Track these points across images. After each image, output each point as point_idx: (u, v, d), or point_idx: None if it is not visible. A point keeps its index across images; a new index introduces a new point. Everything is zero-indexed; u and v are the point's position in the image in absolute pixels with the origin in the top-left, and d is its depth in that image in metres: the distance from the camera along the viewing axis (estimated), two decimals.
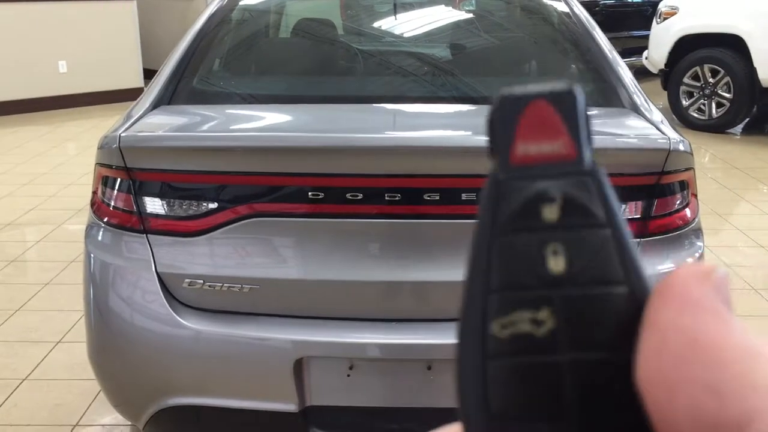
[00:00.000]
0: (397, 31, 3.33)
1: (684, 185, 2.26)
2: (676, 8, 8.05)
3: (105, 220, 2.25)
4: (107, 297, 2.25)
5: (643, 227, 2.19)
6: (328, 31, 3.32)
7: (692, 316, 0.24)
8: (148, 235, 2.19)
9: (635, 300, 0.26)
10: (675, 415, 0.23)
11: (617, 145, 2.24)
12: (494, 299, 0.27)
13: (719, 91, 7.76)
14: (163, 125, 2.39)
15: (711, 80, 7.80)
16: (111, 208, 2.23)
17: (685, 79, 7.97)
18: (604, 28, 2.98)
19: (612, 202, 0.27)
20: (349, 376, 2.19)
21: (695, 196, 2.34)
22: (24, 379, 3.21)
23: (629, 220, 2.18)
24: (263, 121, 2.56)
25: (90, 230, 2.32)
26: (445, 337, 2.15)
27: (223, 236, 2.15)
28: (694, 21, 7.87)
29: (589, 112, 0.29)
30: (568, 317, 0.26)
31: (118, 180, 2.20)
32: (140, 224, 2.19)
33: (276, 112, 2.58)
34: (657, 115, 2.44)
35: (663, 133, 2.24)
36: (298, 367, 2.15)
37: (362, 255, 2.18)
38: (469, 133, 2.43)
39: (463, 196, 2.11)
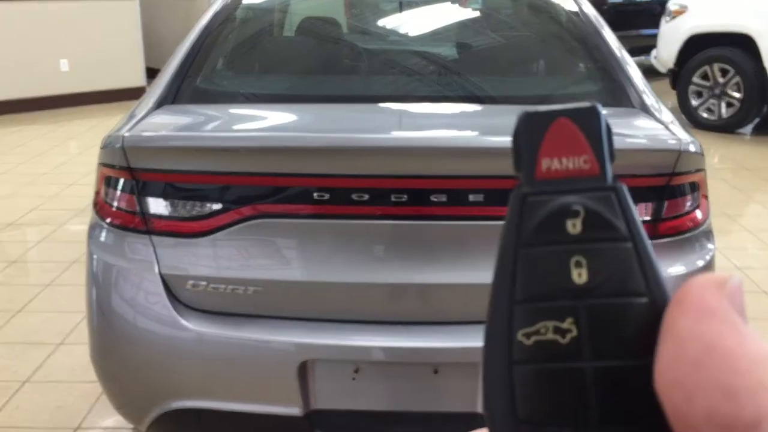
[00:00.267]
0: (402, 30, 3.30)
1: (695, 186, 2.23)
2: (686, 7, 8.01)
3: (108, 220, 2.24)
4: (110, 298, 2.23)
5: (654, 229, 2.17)
6: (332, 29, 3.29)
7: (708, 324, 0.25)
8: (152, 236, 2.17)
9: (656, 310, 0.27)
10: (693, 419, 0.25)
11: (627, 146, 2.21)
12: (520, 309, 0.28)
13: (729, 91, 7.71)
14: (166, 125, 2.37)
15: (721, 80, 7.76)
16: (114, 209, 2.21)
17: (695, 79, 7.93)
18: (612, 27, 2.95)
19: (633, 216, 0.29)
20: (354, 379, 2.17)
21: (706, 197, 2.31)
22: (25, 382, 3.20)
23: None
24: (268, 121, 2.54)
25: (92, 231, 2.30)
26: (452, 340, 2.13)
27: (227, 237, 2.13)
28: (703, 20, 7.83)
29: (609, 129, 0.30)
30: (592, 326, 0.27)
31: (121, 180, 2.18)
32: (143, 225, 2.17)
33: (280, 111, 2.55)
34: (667, 116, 2.41)
35: (673, 133, 2.22)
36: (303, 370, 2.13)
37: (368, 257, 2.15)
38: (476, 133, 2.40)
39: (471, 198, 2.08)
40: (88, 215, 2.38)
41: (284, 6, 3.50)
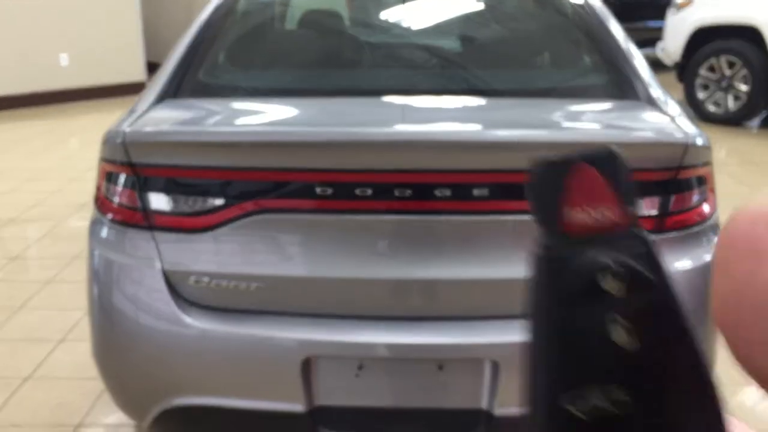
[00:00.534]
0: (405, 23, 3.27)
1: (702, 180, 2.21)
2: None
3: (109, 216, 2.22)
4: (111, 295, 2.23)
5: (660, 223, 2.15)
6: (335, 22, 3.27)
7: (765, 267, 0.24)
8: (153, 232, 2.16)
9: (697, 359, 0.27)
10: (754, 360, 0.25)
11: (633, 140, 2.19)
12: (561, 375, 0.27)
13: (736, 84, 7.68)
14: (168, 120, 2.36)
15: (728, 72, 7.72)
16: (115, 205, 2.20)
17: (701, 71, 7.89)
18: (618, 19, 2.92)
19: (662, 266, 0.28)
20: (358, 376, 2.16)
21: (713, 191, 2.29)
22: (26, 379, 3.20)
23: (645, 216, 2.13)
24: (270, 115, 2.52)
25: (94, 227, 2.29)
26: (457, 336, 2.12)
27: (230, 233, 2.11)
28: (710, 12, 7.78)
29: (631, 173, 0.29)
30: (639, 388, 0.27)
31: (123, 176, 2.17)
32: (145, 221, 2.16)
33: (283, 105, 2.54)
34: (674, 108, 2.38)
35: (680, 126, 2.19)
36: (306, 367, 2.12)
37: (371, 252, 2.14)
38: (481, 126, 2.38)
39: (475, 192, 2.07)
40: (90, 211, 2.37)
41: None
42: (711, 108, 7.89)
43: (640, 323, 0.27)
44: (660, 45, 8.61)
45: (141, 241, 2.18)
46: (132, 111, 2.36)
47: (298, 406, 2.15)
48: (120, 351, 2.28)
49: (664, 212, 2.15)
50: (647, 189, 2.14)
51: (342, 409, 2.20)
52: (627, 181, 0.29)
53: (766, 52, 7.34)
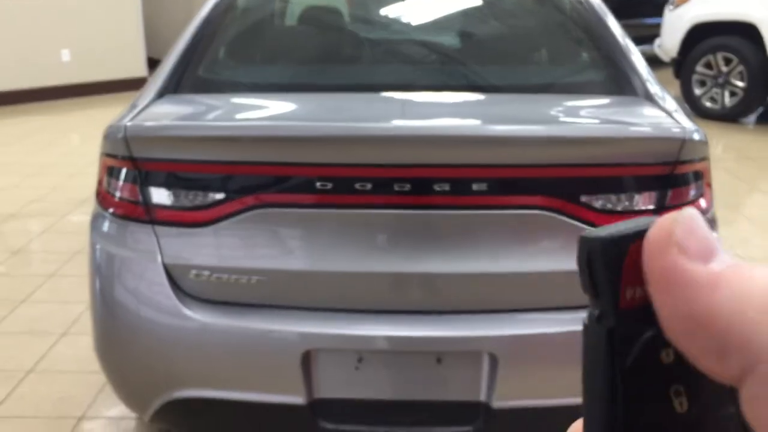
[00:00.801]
0: (405, 19, 3.29)
1: (698, 175, 2.22)
2: None
3: (110, 210, 2.23)
4: (113, 288, 2.24)
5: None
6: (334, 18, 3.28)
7: (674, 296, 0.26)
8: (154, 226, 2.17)
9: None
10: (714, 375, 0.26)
11: (630, 134, 2.21)
12: None
13: (732, 80, 7.69)
14: (169, 114, 2.37)
15: (724, 69, 7.73)
16: (116, 199, 2.21)
17: (698, 68, 7.90)
18: (616, 15, 2.93)
19: None
20: (357, 368, 2.17)
21: (710, 186, 2.30)
22: (29, 372, 3.20)
23: (642, 211, 2.14)
24: (270, 110, 2.53)
25: (95, 221, 2.30)
26: (455, 329, 2.13)
27: (230, 227, 2.13)
28: (707, 8, 7.79)
29: None
30: None
31: (124, 170, 2.18)
32: (146, 215, 2.17)
33: (283, 101, 2.55)
34: (671, 104, 2.40)
35: (677, 122, 2.21)
36: (306, 360, 2.13)
37: (371, 246, 2.15)
38: (479, 122, 2.40)
39: (474, 187, 2.08)
40: (91, 206, 2.38)
41: None
42: (708, 104, 7.90)
43: (698, 391, 0.28)
44: (657, 42, 8.62)
45: (142, 235, 2.19)
46: (133, 106, 2.37)
47: (298, 399, 2.16)
48: (121, 344, 2.29)
49: (660, 207, 2.16)
50: (644, 184, 2.15)
51: (342, 402, 2.21)
52: None
53: (762, 48, 7.35)
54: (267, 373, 2.17)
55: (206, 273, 2.15)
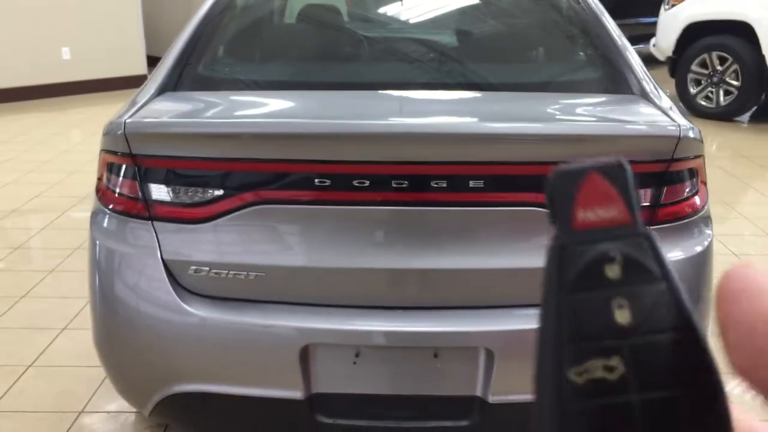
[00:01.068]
0: (402, 17, 3.30)
1: (693, 173, 2.24)
2: None
3: (110, 206, 2.24)
4: (112, 284, 2.25)
5: (652, 215, 2.18)
6: (333, 16, 3.30)
7: (762, 305, 0.28)
8: (154, 222, 2.18)
9: (692, 340, 0.30)
10: None
11: (626, 132, 2.23)
12: (568, 350, 0.30)
13: (727, 79, 7.71)
14: (168, 111, 2.38)
15: (719, 68, 7.75)
16: (116, 195, 2.22)
17: (693, 67, 7.92)
18: (611, 15, 2.95)
19: (664, 258, 0.31)
20: (355, 363, 2.18)
21: (704, 183, 2.32)
22: (29, 366, 3.22)
23: None
24: (269, 108, 2.55)
25: (95, 217, 2.31)
26: (452, 324, 2.14)
27: (229, 223, 2.14)
28: (702, 8, 7.81)
29: (636, 181, 0.32)
30: (637, 362, 0.30)
31: (124, 166, 2.19)
32: (146, 211, 2.18)
33: (281, 98, 2.56)
34: (666, 102, 2.42)
35: (673, 119, 2.22)
36: (304, 355, 2.14)
37: (369, 242, 2.17)
38: (476, 119, 2.41)
39: (471, 184, 2.09)
40: (91, 202, 2.39)
41: None
42: (702, 103, 7.92)
43: (639, 304, 0.30)
44: (653, 41, 8.64)
45: (142, 231, 2.20)
46: (132, 103, 2.37)
47: (296, 393, 2.17)
48: (121, 339, 2.30)
49: (656, 204, 2.18)
50: (640, 181, 2.17)
51: (339, 396, 2.22)
52: (633, 187, 0.32)
53: (757, 47, 7.37)
54: (265, 368, 2.19)
55: (205, 269, 2.16)
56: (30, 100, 8.85)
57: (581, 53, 2.95)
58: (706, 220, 2.34)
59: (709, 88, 7.86)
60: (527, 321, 2.13)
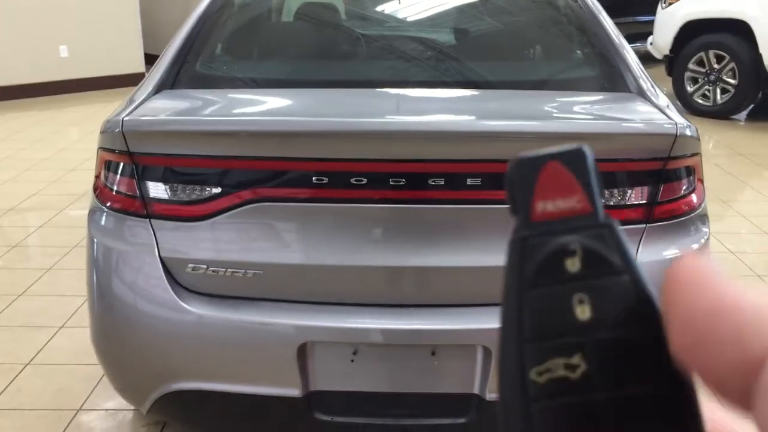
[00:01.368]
0: (400, 16, 3.31)
1: (690, 171, 2.25)
2: None
3: (108, 204, 2.24)
4: (110, 282, 2.25)
5: (649, 213, 2.18)
6: (330, 15, 3.30)
7: (706, 292, 0.28)
8: (151, 220, 2.18)
9: (656, 335, 0.29)
10: (717, 375, 0.27)
11: (624, 130, 2.23)
12: (529, 349, 0.29)
13: (724, 77, 7.72)
14: (166, 109, 2.38)
15: (716, 66, 7.76)
16: (114, 193, 2.22)
17: (690, 65, 7.93)
18: (609, 13, 2.95)
19: (627, 249, 0.30)
20: (353, 361, 2.18)
21: (701, 181, 2.32)
22: (27, 364, 3.21)
23: (635, 205, 2.17)
24: (266, 106, 2.55)
25: (93, 215, 2.31)
26: (449, 322, 2.15)
27: (227, 221, 2.14)
28: (699, 6, 7.82)
29: (597, 167, 0.31)
30: (599, 359, 0.29)
31: (121, 164, 2.19)
32: (143, 209, 2.18)
33: (279, 96, 2.57)
34: (663, 100, 2.42)
35: (670, 117, 2.23)
36: (302, 352, 2.15)
37: (366, 240, 2.17)
38: (473, 117, 2.42)
39: (468, 181, 2.10)
40: (89, 201, 2.39)
41: None
42: (699, 101, 7.93)
43: (600, 299, 0.29)
44: (650, 39, 8.64)
45: (139, 229, 2.20)
46: (130, 101, 2.38)
47: (294, 391, 2.17)
48: (119, 337, 2.30)
49: (653, 201, 2.18)
50: (637, 178, 2.17)
51: (337, 394, 2.23)
52: (594, 175, 0.31)
53: (754, 46, 7.38)
54: (263, 366, 2.19)
55: (203, 266, 2.16)
56: (28, 98, 8.85)
57: (578, 51, 2.95)
58: (703, 218, 2.34)
59: (706, 87, 7.87)
60: None
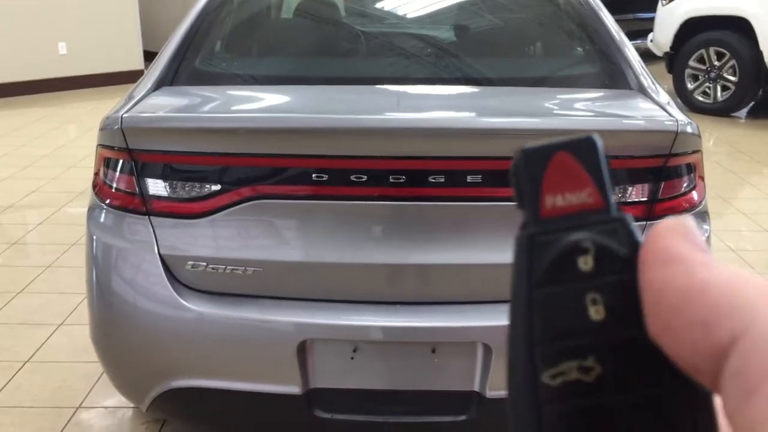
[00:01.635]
0: (400, 12, 3.30)
1: (691, 168, 2.24)
2: None
3: (107, 201, 2.24)
4: (110, 279, 2.24)
5: (650, 210, 2.18)
6: (330, 11, 3.29)
7: (676, 270, 0.27)
8: (151, 217, 2.18)
9: None
10: (687, 357, 0.26)
11: (624, 127, 2.23)
12: (541, 350, 0.28)
13: (725, 75, 7.72)
14: (165, 106, 2.38)
15: (716, 63, 7.76)
16: (113, 190, 2.22)
17: (691, 62, 7.93)
18: (609, 10, 2.95)
19: (639, 243, 0.28)
20: (353, 358, 2.18)
21: (702, 179, 2.32)
22: (26, 362, 3.21)
23: (635, 202, 2.16)
24: (266, 102, 2.54)
25: (92, 212, 2.31)
26: (450, 320, 2.14)
27: (226, 218, 2.13)
28: (699, 3, 7.82)
29: (608, 158, 0.30)
30: (614, 361, 0.28)
31: (120, 161, 2.18)
32: (142, 206, 2.17)
33: (279, 93, 2.56)
34: (664, 97, 2.42)
35: (671, 115, 2.22)
36: (302, 350, 2.14)
37: (366, 237, 2.16)
38: (474, 114, 2.41)
39: (469, 179, 2.09)
40: (88, 198, 2.38)
41: None
42: (700, 98, 7.93)
43: (613, 298, 0.28)
44: (650, 36, 8.64)
45: (139, 226, 2.19)
46: (129, 98, 2.37)
47: (294, 389, 2.17)
48: (118, 335, 2.30)
49: (653, 199, 2.18)
50: (638, 176, 2.17)
51: (337, 391, 2.23)
52: (605, 166, 0.29)
53: (754, 43, 7.38)
54: (263, 363, 2.19)
55: (202, 264, 2.16)
56: (26, 95, 8.84)
57: (579, 48, 2.95)
58: (704, 215, 2.34)
59: (707, 84, 7.87)
60: None
